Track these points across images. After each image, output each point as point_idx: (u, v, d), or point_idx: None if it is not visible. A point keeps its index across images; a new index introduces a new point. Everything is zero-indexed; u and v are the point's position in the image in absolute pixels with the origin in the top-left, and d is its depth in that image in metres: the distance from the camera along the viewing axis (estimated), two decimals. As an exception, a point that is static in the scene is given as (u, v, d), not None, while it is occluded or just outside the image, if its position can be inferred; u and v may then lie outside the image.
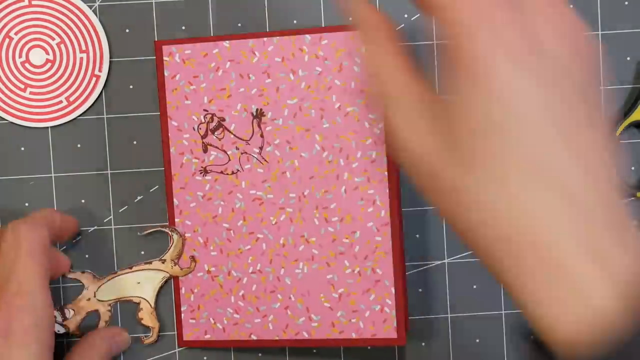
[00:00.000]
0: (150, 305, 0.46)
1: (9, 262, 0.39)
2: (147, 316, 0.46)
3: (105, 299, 0.46)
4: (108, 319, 0.46)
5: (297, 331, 0.45)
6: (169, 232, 0.46)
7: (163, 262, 0.46)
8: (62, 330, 0.46)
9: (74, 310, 0.46)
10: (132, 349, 0.47)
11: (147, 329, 0.47)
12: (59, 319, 0.46)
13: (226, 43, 0.45)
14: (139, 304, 0.46)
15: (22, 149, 0.47)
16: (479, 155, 0.27)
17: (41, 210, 0.44)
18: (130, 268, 0.46)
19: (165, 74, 0.46)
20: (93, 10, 0.47)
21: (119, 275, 0.46)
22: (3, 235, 0.40)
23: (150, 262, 0.46)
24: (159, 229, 0.46)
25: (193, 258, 0.46)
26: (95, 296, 0.46)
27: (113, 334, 0.45)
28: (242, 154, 0.45)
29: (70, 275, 0.46)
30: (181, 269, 0.46)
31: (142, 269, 0.46)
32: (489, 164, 0.27)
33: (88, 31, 0.47)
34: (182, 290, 0.47)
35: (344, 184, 0.44)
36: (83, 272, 0.46)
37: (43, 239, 0.40)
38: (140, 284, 0.46)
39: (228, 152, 0.45)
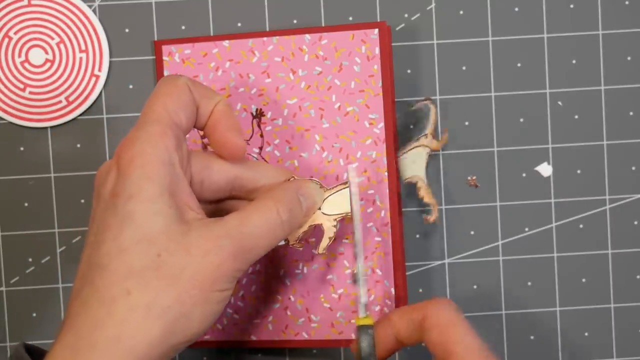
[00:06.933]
0: (424, 182, 0.45)
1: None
2: (425, 193, 0.45)
3: (331, 212, 0.40)
4: (333, 235, 0.40)
5: (297, 332, 0.45)
6: (429, 104, 0.45)
7: (426, 137, 0.45)
8: (281, 242, 0.39)
9: None
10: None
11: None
12: None
13: (226, 43, 0.45)
14: (416, 183, 0.45)
15: (22, 149, 0.47)
16: None
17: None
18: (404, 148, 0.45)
19: (165, 73, 0.46)
20: (93, 10, 0.47)
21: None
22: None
23: (418, 139, 0.44)
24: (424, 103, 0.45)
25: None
26: (320, 209, 0.40)
27: (297, 187, 0.39)
28: (241, 154, 0.45)
29: None
30: (437, 140, 0.45)
31: (413, 147, 0.44)
32: None
33: (88, 31, 0.47)
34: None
35: (343, 184, 0.44)
36: (310, 178, 0.41)
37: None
38: (415, 162, 0.44)
39: (228, 152, 0.45)
